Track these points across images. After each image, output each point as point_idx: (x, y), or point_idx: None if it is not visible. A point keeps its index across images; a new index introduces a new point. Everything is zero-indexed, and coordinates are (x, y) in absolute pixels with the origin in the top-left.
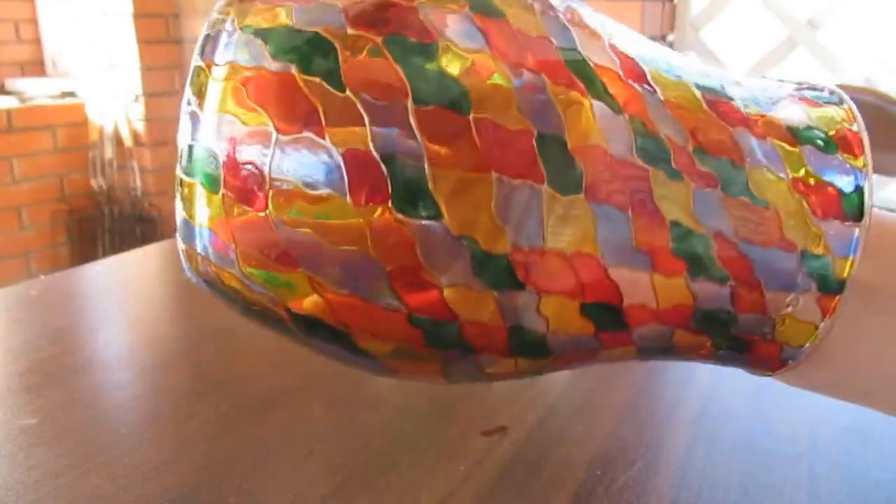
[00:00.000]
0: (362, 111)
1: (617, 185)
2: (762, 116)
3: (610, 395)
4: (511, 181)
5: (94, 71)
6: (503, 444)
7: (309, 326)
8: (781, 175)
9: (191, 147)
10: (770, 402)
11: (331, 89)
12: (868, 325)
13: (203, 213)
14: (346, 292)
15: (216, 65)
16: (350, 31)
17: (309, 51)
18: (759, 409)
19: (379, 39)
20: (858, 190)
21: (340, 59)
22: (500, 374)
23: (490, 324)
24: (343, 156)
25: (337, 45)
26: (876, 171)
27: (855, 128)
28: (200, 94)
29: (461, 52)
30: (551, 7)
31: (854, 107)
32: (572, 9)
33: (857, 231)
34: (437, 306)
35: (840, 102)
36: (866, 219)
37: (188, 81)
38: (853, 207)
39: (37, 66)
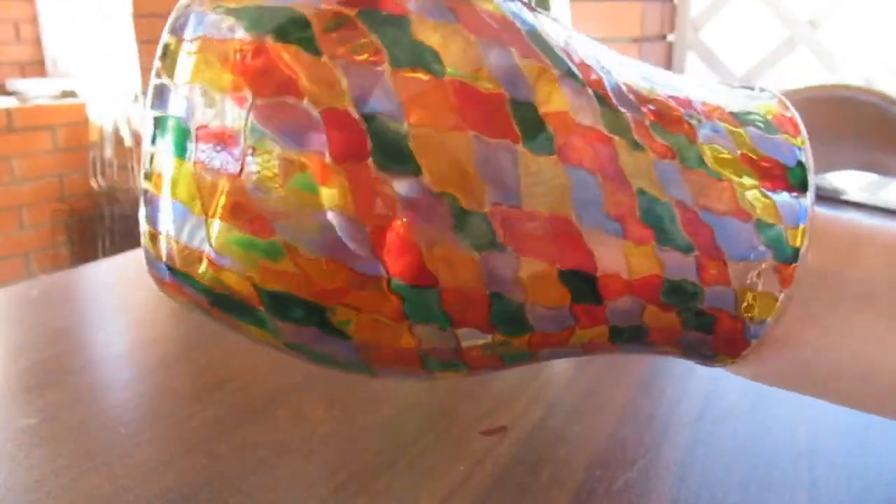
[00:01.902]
0: (340, 74)
1: (587, 150)
2: (707, 104)
3: (609, 394)
4: (488, 140)
5: (94, 71)
6: (503, 444)
7: (281, 305)
8: (730, 150)
9: (159, 118)
10: (770, 402)
11: (307, 55)
12: (819, 310)
13: (172, 185)
14: (325, 257)
15: (186, 40)
16: (324, 6)
17: (283, 24)
18: (759, 409)
19: (353, 13)
20: (800, 165)
21: (315, 30)
22: (476, 357)
23: (470, 291)
24: (322, 115)
25: (311, 20)
26: (877, 171)
27: (789, 113)
28: (171, 67)
29: (432, 25)
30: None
31: (786, 99)
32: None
33: (803, 201)
34: (417, 269)
35: (773, 98)
36: (811, 191)
37: (157, 57)
38: (797, 180)
39: (37, 67)
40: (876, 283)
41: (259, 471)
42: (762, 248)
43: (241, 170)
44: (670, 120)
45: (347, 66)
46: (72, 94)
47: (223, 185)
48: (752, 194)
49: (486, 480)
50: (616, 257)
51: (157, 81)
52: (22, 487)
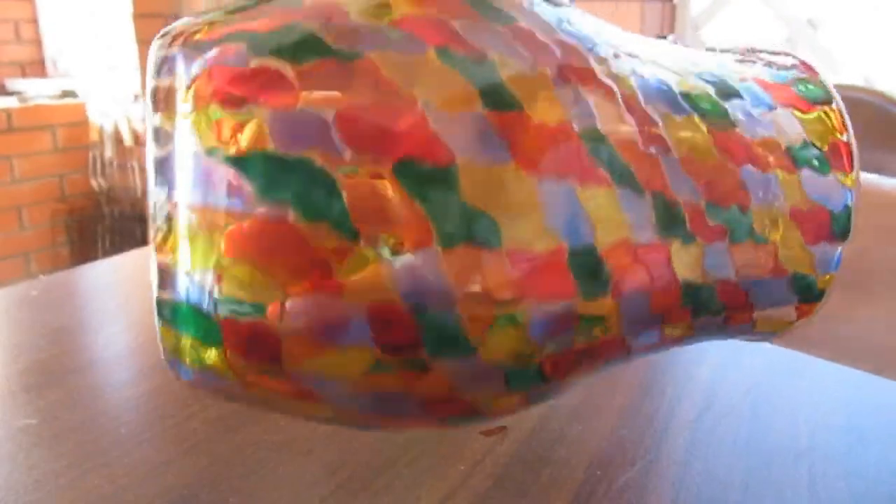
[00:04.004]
0: (382, 262)
1: (641, 273)
2: (764, 140)
3: (610, 395)
4: (544, 305)
5: (94, 71)
6: (503, 444)
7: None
8: (781, 206)
9: (176, 306)
10: (770, 402)
11: (341, 237)
12: (860, 292)
13: (205, 356)
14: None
15: (189, 204)
16: (349, 154)
17: (305, 189)
18: (759, 409)
19: (387, 170)
20: (846, 209)
21: (345, 197)
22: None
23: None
24: (368, 311)
25: (337, 178)
26: (876, 170)
27: (845, 137)
28: (171, 243)
29: (482, 171)
30: (565, 69)
31: (839, 101)
32: (577, 44)
33: (840, 249)
34: (461, 411)
35: (828, 100)
36: (850, 235)
37: (152, 219)
38: (841, 226)
39: (37, 66)
40: None
41: (259, 470)
42: (791, 296)
43: (279, 359)
44: (726, 193)
45: (390, 253)
46: (72, 94)
47: (262, 374)
48: (793, 251)
49: (486, 480)
50: (653, 332)
51: (159, 259)
52: (22, 487)
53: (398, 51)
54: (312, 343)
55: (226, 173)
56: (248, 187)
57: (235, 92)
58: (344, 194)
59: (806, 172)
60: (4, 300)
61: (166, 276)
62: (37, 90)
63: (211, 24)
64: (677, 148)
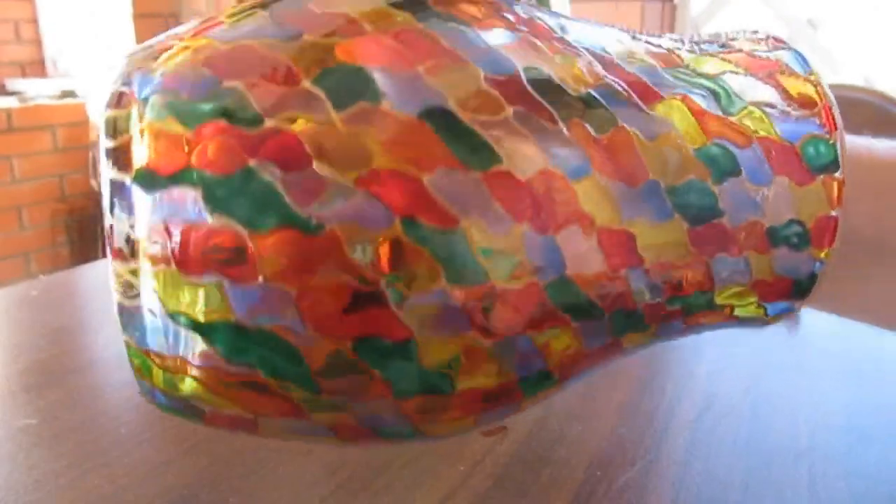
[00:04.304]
0: (345, 407)
1: (588, 365)
2: (746, 224)
3: (609, 394)
4: (488, 413)
5: (94, 71)
6: (503, 444)
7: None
8: (744, 282)
9: (156, 400)
10: (770, 402)
11: (305, 391)
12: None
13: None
14: None
15: (158, 353)
16: (309, 332)
17: (268, 356)
18: (759, 409)
19: (347, 346)
20: (812, 277)
21: (307, 363)
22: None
23: None
24: (333, 428)
25: (299, 348)
26: None
27: (836, 213)
28: (146, 372)
29: (441, 343)
30: (543, 217)
31: (844, 168)
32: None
33: (796, 304)
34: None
35: (834, 166)
36: (812, 295)
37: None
38: (802, 290)
39: (37, 66)
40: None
41: (259, 471)
42: (738, 326)
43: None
44: (690, 284)
45: (352, 404)
46: (72, 94)
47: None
48: (747, 310)
49: (486, 480)
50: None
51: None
52: (22, 487)
53: (363, 222)
54: (284, 434)
55: (191, 336)
56: (213, 349)
57: (193, 259)
58: (306, 361)
59: (781, 250)
60: (4, 300)
61: (144, 386)
62: (37, 90)
63: (156, 127)
64: (649, 256)
